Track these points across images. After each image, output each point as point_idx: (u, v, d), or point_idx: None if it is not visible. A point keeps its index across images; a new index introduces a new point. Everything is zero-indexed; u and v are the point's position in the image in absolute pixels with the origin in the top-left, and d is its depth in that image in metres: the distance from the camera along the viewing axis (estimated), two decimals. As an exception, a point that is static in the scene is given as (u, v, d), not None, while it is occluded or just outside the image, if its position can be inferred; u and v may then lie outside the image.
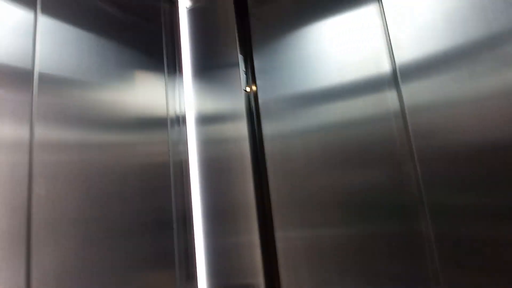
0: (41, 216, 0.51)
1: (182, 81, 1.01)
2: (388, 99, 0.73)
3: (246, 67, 0.96)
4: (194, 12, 1.08)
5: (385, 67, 0.74)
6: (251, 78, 0.97)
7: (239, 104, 0.91)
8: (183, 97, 1.00)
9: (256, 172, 0.86)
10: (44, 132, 0.55)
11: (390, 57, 0.74)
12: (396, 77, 0.71)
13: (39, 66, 0.57)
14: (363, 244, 0.71)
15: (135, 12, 0.89)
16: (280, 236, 0.80)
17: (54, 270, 0.52)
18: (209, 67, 1.00)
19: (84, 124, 0.64)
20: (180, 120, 0.97)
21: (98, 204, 0.63)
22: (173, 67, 1.00)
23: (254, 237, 0.81)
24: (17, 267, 0.46)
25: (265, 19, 0.95)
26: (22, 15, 0.56)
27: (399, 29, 0.70)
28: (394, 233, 0.69)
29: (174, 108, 0.95)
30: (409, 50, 0.68)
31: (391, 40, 0.71)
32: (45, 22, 0.60)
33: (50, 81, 0.58)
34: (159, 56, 0.95)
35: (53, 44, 0.60)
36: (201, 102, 0.99)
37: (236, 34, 0.96)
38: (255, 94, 0.94)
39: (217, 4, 1.01)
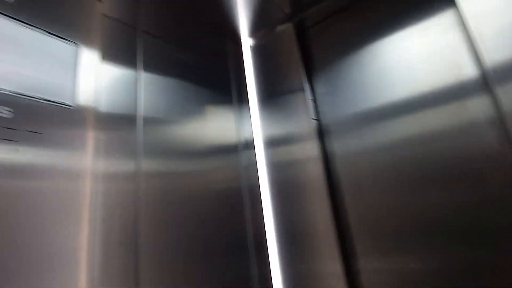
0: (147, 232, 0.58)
1: (249, 110, 1.08)
2: (477, 107, 0.66)
3: (312, 93, 0.99)
4: (258, 49, 1.17)
5: (469, 72, 0.68)
6: (315, 99, 0.98)
7: (307, 127, 0.92)
8: (250, 124, 1.06)
9: (331, 194, 0.83)
10: (144, 163, 0.64)
11: (476, 60, 0.67)
12: (487, 81, 0.64)
13: (141, 111, 0.68)
14: (470, 273, 0.61)
15: (205, 56, 1.01)
16: (364, 265, 0.74)
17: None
18: (274, 95, 1.06)
19: (168, 155, 0.72)
20: (249, 146, 1.02)
21: (177, 228, 0.68)
22: (240, 98, 1.09)
23: (335, 266, 0.76)
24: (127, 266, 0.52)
25: (327, 45, 0.97)
26: (127, 72, 0.68)
27: (483, 30, 0.64)
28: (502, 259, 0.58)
29: (243, 135, 1.01)
30: (500, 51, 0.61)
31: (476, 43, 0.65)
32: (145, 77, 0.72)
33: (149, 122, 0.68)
34: (228, 90, 1.05)
35: (148, 92, 0.71)
36: (269, 127, 1.04)
37: (300, 63, 1.00)
38: (319, 115, 0.94)
39: (279, 41, 1.08)
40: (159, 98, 0.74)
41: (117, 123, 0.61)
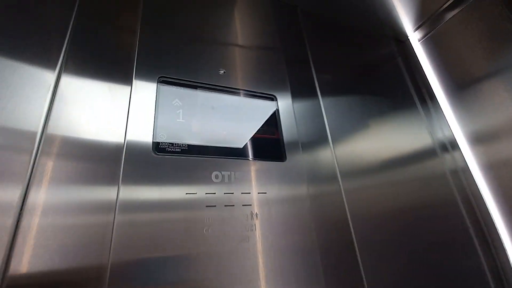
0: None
1: (438, 107, 0.95)
2: None
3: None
4: (429, 40, 1.04)
5: None
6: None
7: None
8: (445, 122, 0.91)
9: None
10: (342, 181, 0.69)
11: None
12: None
13: (329, 135, 0.76)
14: None
15: (372, 62, 1.01)
16: None
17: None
18: (464, 85, 0.88)
19: (360, 171, 0.74)
20: (451, 147, 0.87)
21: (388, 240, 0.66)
22: (423, 97, 0.98)
23: None
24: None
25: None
26: (312, 104, 0.80)
27: None
28: None
29: (439, 136, 0.89)
30: None
31: None
32: (324, 102, 0.82)
33: (338, 144, 0.75)
34: (406, 91, 0.98)
35: (331, 116, 0.79)
36: (469, 122, 0.86)
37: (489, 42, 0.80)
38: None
39: (454, 26, 0.93)
40: (340, 119, 0.80)
41: (315, 150, 0.72)
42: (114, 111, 0.55)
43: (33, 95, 0.45)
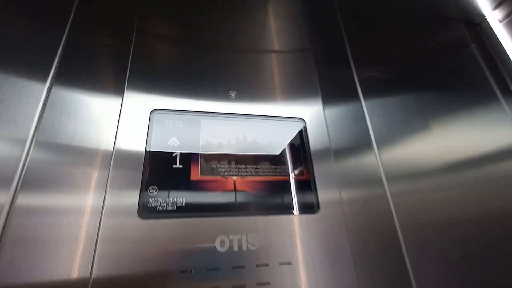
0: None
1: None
2: None
3: None
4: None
5: None
6: None
7: None
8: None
9: None
10: (389, 185, 0.50)
11: None
12: None
13: (373, 139, 0.58)
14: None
15: (437, 57, 0.77)
16: None
17: None
18: None
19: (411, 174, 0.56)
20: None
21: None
22: (505, 87, 0.75)
23: None
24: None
25: None
26: (353, 109, 0.61)
27: None
28: None
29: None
30: None
31: None
32: (367, 106, 0.62)
33: (383, 147, 0.56)
34: (482, 83, 0.75)
35: (374, 119, 0.60)
36: None
37: None
38: None
39: None
40: (388, 121, 0.63)
41: (354, 155, 0.55)
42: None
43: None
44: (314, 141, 0.56)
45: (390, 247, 0.49)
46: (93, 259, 0.38)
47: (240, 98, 0.56)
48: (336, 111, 0.61)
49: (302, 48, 0.67)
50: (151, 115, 0.50)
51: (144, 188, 0.44)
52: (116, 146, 0.45)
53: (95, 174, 0.42)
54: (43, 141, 0.42)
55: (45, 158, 0.42)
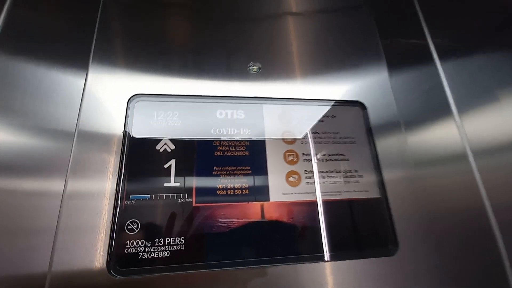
0: None
1: None
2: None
3: None
4: None
5: None
6: None
7: None
8: None
9: None
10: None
11: None
12: None
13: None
14: None
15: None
16: None
17: None
18: None
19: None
20: None
21: None
22: None
23: None
24: None
25: None
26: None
27: None
28: None
29: None
30: None
31: None
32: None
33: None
34: None
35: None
36: None
37: None
38: None
39: None
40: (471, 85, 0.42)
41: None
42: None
43: None
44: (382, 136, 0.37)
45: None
46: None
47: (265, 73, 0.37)
48: (407, 83, 0.41)
49: (355, 4, 0.46)
50: (130, 103, 0.32)
51: (117, 223, 0.27)
52: (74, 151, 0.28)
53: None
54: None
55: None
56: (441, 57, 0.45)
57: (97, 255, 0.26)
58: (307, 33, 0.42)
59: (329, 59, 0.40)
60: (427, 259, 0.32)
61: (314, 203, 0.32)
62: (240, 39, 0.39)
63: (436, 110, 0.41)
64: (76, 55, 0.33)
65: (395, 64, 0.43)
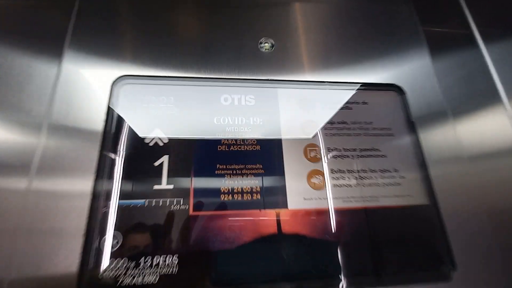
0: None
1: None
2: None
3: None
4: None
5: None
6: None
7: None
8: None
9: None
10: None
11: None
12: None
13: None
14: None
15: None
16: None
17: None
18: None
19: None
20: None
21: None
22: None
23: None
24: None
25: None
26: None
27: None
28: None
29: None
30: None
31: None
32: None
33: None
34: None
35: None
36: None
37: None
38: None
39: None
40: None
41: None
42: None
43: None
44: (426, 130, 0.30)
45: None
46: None
47: (280, 51, 0.31)
48: (450, 68, 0.34)
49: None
50: (114, 87, 0.26)
51: (91, 235, 0.21)
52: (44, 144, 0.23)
53: None
54: None
55: None
56: (486, 40, 0.37)
57: (63, 277, 0.20)
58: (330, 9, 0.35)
59: (359, 38, 0.33)
60: (494, 282, 0.24)
61: (343, 212, 0.25)
62: (252, 11, 0.33)
63: (483, 96, 0.34)
64: (53, 38, 0.27)
65: (436, 46, 0.36)
